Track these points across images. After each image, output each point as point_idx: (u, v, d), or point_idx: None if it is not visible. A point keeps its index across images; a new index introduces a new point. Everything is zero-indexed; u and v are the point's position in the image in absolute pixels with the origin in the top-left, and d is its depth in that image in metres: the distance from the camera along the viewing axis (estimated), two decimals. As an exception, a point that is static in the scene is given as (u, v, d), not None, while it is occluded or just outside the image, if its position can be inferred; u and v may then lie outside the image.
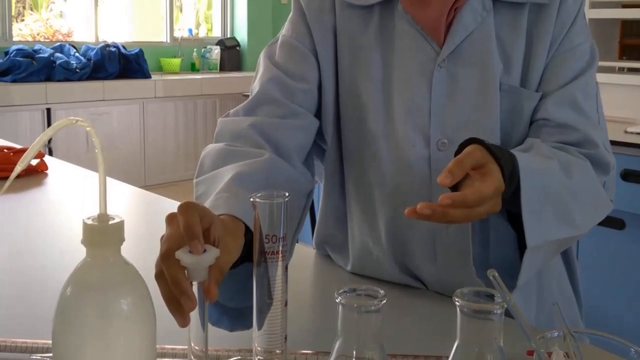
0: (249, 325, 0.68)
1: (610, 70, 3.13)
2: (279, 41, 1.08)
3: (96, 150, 0.56)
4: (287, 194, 0.65)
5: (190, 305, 0.61)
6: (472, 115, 0.98)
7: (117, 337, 0.55)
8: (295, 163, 0.99)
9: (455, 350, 0.54)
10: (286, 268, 0.67)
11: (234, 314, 0.81)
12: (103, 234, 0.56)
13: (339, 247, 1.15)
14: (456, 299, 0.53)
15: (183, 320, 0.62)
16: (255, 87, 1.05)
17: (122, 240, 0.57)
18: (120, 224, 0.56)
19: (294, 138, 1.00)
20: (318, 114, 1.06)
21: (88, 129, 0.56)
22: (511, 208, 0.87)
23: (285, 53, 1.05)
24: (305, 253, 1.23)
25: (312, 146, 1.10)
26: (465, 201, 0.75)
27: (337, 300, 0.53)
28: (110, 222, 0.56)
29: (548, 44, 0.99)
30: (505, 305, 0.53)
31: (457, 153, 0.81)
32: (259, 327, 0.66)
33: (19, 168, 0.56)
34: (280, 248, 0.65)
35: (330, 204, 1.14)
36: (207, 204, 0.81)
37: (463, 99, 0.98)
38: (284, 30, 1.09)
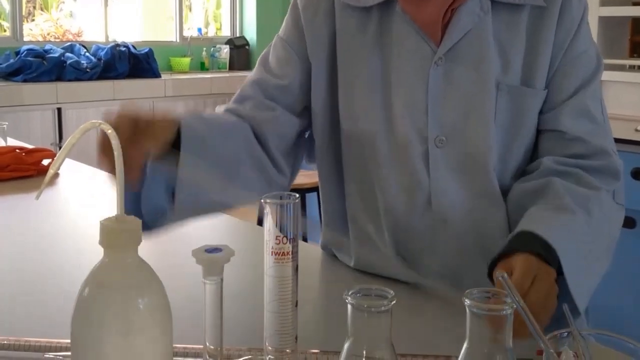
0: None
1: (621, 68, 3.12)
2: (273, 41, 1.13)
3: (115, 153, 0.57)
4: (297, 195, 0.66)
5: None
6: (467, 112, 1.00)
7: (135, 336, 0.56)
8: (270, 149, 1.04)
9: (465, 350, 0.54)
10: (296, 269, 0.67)
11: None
12: (121, 235, 0.57)
13: (343, 247, 1.16)
14: (465, 299, 0.53)
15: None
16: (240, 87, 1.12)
17: (140, 241, 0.58)
18: (138, 225, 0.57)
19: (269, 127, 1.05)
20: (303, 116, 1.09)
21: (109, 131, 0.57)
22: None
23: (274, 54, 1.11)
24: (313, 253, 1.23)
25: (303, 150, 1.13)
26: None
27: (346, 301, 0.54)
28: (128, 223, 0.57)
29: (551, 45, 1.00)
30: (515, 306, 0.53)
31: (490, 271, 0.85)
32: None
33: (51, 171, 0.58)
34: (291, 249, 0.66)
35: (330, 206, 1.16)
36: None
37: (459, 97, 1.00)
38: (281, 29, 1.13)
